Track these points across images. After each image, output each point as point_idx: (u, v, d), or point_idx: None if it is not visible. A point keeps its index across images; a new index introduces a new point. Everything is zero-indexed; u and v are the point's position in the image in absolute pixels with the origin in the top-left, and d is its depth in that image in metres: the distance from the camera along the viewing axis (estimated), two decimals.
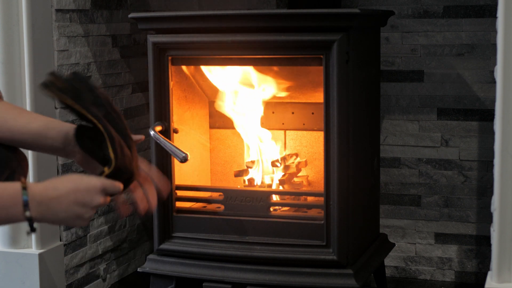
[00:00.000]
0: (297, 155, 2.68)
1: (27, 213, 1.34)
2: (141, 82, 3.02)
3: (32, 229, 1.35)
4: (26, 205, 1.34)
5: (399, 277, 2.97)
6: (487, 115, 2.81)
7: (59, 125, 1.56)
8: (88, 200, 1.38)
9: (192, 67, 2.56)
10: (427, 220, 2.93)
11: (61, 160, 2.58)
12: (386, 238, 2.73)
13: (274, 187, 2.60)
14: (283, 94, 2.58)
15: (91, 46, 2.73)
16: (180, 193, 2.51)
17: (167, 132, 2.44)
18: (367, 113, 2.52)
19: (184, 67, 2.54)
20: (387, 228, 2.96)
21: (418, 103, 2.89)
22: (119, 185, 1.42)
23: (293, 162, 2.64)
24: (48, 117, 1.62)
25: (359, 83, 2.38)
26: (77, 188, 1.38)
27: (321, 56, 2.27)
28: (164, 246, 2.49)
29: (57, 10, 2.55)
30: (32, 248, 2.51)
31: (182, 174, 2.56)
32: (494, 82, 2.15)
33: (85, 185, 1.38)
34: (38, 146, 1.55)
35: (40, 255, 2.49)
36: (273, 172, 2.62)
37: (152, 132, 2.40)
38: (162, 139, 2.39)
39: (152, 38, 2.43)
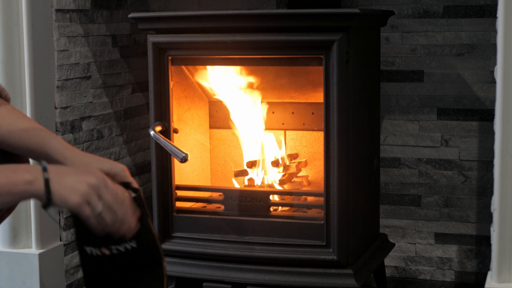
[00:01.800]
0: (297, 155, 2.68)
1: (46, 174, 1.26)
2: (141, 82, 3.02)
3: (48, 203, 1.26)
4: (44, 170, 1.27)
5: (399, 277, 2.97)
6: (487, 115, 2.81)
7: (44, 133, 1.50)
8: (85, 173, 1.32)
9: (192, 67, 2.56)
10: (427, 220, 2.93)
11: None
12: (386, 238, 2.73)
13: (274, 187, 2.60)
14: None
15: (91, 46, 2.73)
16: (180, 193, 2.51)
17: (167, 132, 2.44)
18: (367, 113, 2.52)
19: (184, 67, 2.54)
20: (387, 228, 2.96)
21: (418, 103, 2.89)
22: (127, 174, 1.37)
23: (293, 162, 2.64)
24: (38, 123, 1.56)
25: (359, 83, 2.38)
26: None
27: (321, 56, 2.27)
28: (164, 246, 2.49)
29: (57, 10, 2.56)
30: (32, 248, 2.51)
31: (182, 174, 2.56)
32: (494, 82, 2.15)
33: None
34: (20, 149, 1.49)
35: (40, 255, 2.49)
36: (275, 171, 2.62)
37: (152, 132, 2.40)
38: (162, 139, 2.39)
39: (152, 38, 2.43)
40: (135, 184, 1.38)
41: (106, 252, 1.30)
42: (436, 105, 2.87)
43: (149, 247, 1.33)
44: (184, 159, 2.33)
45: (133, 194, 1.34)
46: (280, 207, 2.48)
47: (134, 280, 1.34)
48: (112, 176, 1.39)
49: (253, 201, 2.43)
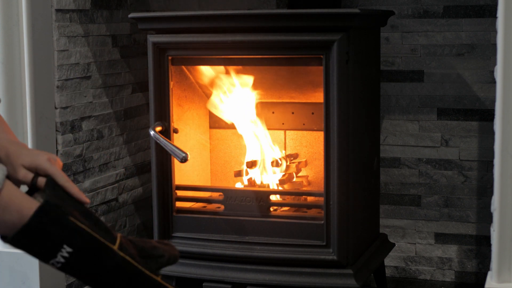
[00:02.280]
0: (297, 155, 2.68)
1: None
2: (141, 82, 3.02)
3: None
4: None
5: (399, 277, 2.97)
6: (487, 115, 2.81)
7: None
8: None
9: (192, 67, 2.56)
10: (427, 220, 2.93)
11: (61, 160, 2.58)
12: (386, 238, 2.73)
13: (274, 187, 2.60)
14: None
15: (91, 46, 2.73)
16: (180, 193, 2.51)
17: (167, 132, 2.44)
18: (367, 113, 2.52)
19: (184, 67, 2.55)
20: (387, 228, 2.96)
21: (418, 103, 2.89)
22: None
23: (293, 162, 2.64)
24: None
25: (359, 83, 2.38)
26: None
27: (321, 56, 2.27)
28: None
29: (57, 10, 2.55)
30: None
31: (182, 174, 2.56)
32: (494, 82, 2.15)
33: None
34: None
35: None
36: (274, 172, 2.62)
37: (152, 132, 2.40)
38: (162, 139, 2.39)
39: (152, 38, 2.43)
40: (59, 176, 1.33)
41: (57, 265, 1.28)
42: (436, 105, 2.87)
43: (86, 243, 1.28)
44: (184, 159, 2.33)
45: (44, 197, 1.30)
46: (280, 207, 2.48)
47: (107, 274, 1.31)
48: (34, 169, 1.36)
49: (253, 201, 2.43)
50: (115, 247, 1.30)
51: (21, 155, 1.37)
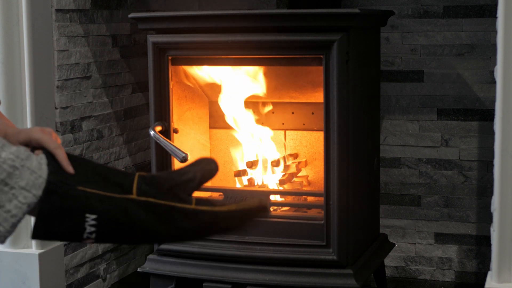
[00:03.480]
0: (297, 155, 2.68)
1: None
2: (141, 82, 3.02)
3: None
4: None
5: (399, 277, 2.97)
6: (487, 115, 2.81)
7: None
8: None
9: (192, 67, 2.56)
10: (427, 220, 2.93)
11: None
12: (386, 238, 2.73)
13: (274, 187, 2.60)
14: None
15: (91, 46, 2.73)
16: None
17: (167, 132, 2.44)
18: (367, 113, 2.52)
19: (184, 67, 2.54)
20: (387, 228, 2.96)
21: (418, 103, 2.89)
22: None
23: (293, 162, 2.64)
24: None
25: (359, 83, 2.39)
26: None
27: (321, 56, 2.27)
28: (164, 246, 2.49)
29: (57, 10, 2.56)
30: (32, 248, 2.51)
31: None
32: (494, 82, 2.15)
33: None
34: None
35: (40, 255, 2.49)
36: (273, 172, 2.62)
37: (152, 132, 2.40)
38: (162, 139, 2.39)
39: (152, 38, 2.43)
40: (50, 143, 1.32)
41: (91, 236, 1.25)
42: (436, 105, 2.87)
43: (104, 204, 1.24)
44: (184, 159, 2.33)
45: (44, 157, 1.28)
46: (280, 207, 2.48)
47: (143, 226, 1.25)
48: (29, 143, 1.36)
49: None
50: (133, 196, 1.25)
51: (18, 134, 1.38)
